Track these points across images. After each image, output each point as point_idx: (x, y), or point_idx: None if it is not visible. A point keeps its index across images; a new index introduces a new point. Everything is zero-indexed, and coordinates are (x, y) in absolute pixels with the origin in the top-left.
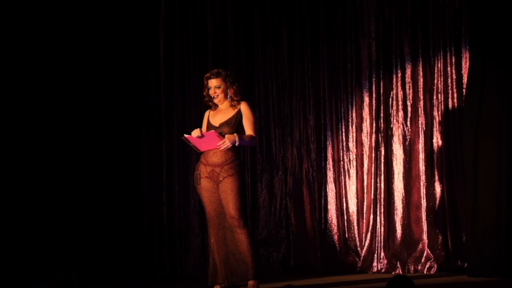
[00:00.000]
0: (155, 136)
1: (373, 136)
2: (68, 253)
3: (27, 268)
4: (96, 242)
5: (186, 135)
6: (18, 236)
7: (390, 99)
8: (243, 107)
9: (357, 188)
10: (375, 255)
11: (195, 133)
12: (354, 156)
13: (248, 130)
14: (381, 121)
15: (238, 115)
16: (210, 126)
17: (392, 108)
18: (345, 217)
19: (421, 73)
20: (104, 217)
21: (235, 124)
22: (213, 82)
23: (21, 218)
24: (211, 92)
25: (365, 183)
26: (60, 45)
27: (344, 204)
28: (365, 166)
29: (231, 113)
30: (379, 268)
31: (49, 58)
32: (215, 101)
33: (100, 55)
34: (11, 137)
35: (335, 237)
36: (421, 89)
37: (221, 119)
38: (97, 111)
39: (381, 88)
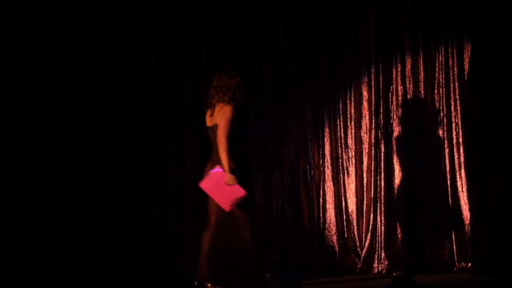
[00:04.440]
0: (147, 143)
1: (373, 132)
2: (63, 254)
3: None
4: (87, 243)
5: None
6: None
7: (390, 94)
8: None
9: (356, 186)
10: (376, 256)
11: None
12: (353, 154)
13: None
14: (381, 116)
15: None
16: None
17: (392, 104)
18: (344, 216)
19: (421, 67)
20: (98, 219)
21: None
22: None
23: (17, 211)
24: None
25: (364, 181)
26: (53, 46)
27: (343, 203)
28: (365, 163)
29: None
30: (380, 269)
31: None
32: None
33: (90, 55)
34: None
35: (334, 237)
36: (422, 83)
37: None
38: (90, 111)
39: (381, 83)
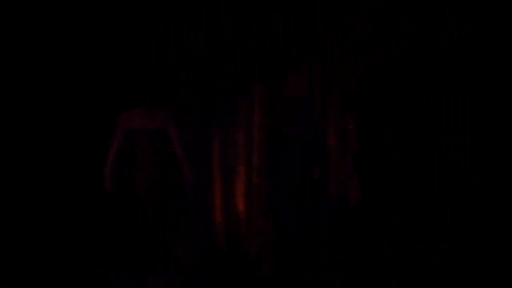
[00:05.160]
0: None
1: (264, 131)
2: (63, 254)
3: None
4: (87, 243)
5: None
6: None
7: (283, 94)
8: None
9: (245, 186)
10: (265, 257)
11: None
12: (243, 153)
13: None
14: (273, 116)
15: None
16: None
17: (284, 103)
18: (233, 217)
19: (318, 72)
20: (98, 219)
21: None
22: None
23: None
24: None
25: (254, 181)
26: (52, 46)
27: (232, 204)
28: (255, 163)
29: None
30: (270, 271)
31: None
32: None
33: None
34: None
35: (222, 238)
36: (318, 88)
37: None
38: (90, 111)
39: (274, 83)
